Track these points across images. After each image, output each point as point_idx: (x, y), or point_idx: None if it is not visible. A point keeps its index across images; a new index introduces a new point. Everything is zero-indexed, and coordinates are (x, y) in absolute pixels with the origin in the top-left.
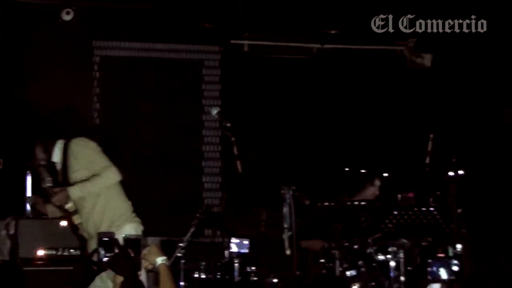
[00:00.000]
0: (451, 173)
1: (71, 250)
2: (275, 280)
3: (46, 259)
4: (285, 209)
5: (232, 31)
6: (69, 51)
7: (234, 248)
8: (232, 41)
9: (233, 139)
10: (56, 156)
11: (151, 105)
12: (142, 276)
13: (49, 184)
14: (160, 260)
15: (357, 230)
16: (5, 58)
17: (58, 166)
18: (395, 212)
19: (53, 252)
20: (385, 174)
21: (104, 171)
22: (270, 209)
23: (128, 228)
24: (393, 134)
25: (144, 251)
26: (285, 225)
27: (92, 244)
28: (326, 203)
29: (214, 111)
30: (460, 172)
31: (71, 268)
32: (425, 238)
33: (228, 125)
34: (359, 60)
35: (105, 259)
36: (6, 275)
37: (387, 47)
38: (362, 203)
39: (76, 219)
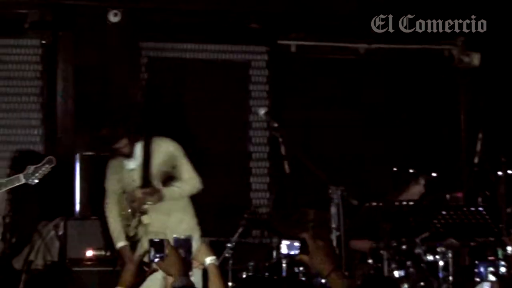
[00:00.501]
0: (500, 173)
1: None
2: (323, 281)
3: (95, 259)
4: (333, 209)
5: (279, 31)
6: (117, 52)
7: (284, 250)
8: (279, 42)
9: (280, 139)
10: (137, 154)
11: (198, 106)
12: (194, 276)
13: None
14: (209, 260)
15: (406, 230)
16: (54, 60)
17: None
18: (444, 212)
19: (102, 252)
20: (434, 174)
21: (191, 180)
22: (318, 209)
23: (197, 237)
24: (441, 134)
25: (194, 251)
26: (333, 225)
27: None
28: (374, 203)
29: (262, 112)
30: (510, 171)
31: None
32: (474, 238)
33: (276, 125)
34: (406, 60)
35: (156, 260)
36: (55, 276)
37: (435, 47)
38: (410, 203)
39: (146, 219)
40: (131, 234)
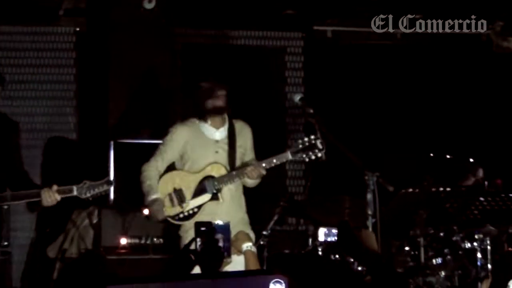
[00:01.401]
0: None
1: (154, 239)
2: (360, 268)
3: (129, 247)
4: (369, 196)
5: (314, 17)
6: (151, 39)
7: (321, 237)
8: (315, 28)
9: (316, 125)
10: (222, 134)
11: (233, 93)
12: (236, 263)
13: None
14: (245, 246)
15: (443, 217)
16: (90, 48)
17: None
18: (482, 199)
19: (136, 240)
20: (471, 160)
21: None
22: (354, 196)
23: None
24: (479, 120)
25: (232, 238)
26: (369, 212)
27: None
28: (411, 190)
29: (297, 98)
30: None
31: (155, 256)
32: None
33: (311, 111)
34: (443, 45)
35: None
36: (89, 264)
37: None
38: (448, 189)
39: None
40: (172, 213)
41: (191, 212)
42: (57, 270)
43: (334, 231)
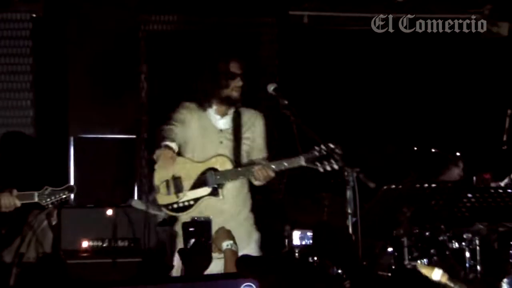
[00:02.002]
0: None
1: (119, 241)
2: (339, 271)
3: (91, 251)
4: (349, 193)
5: (290, 1)
6: (113, 26)
7: (296, 241)
8: (291, 12)
9: (291, 118)
10: (227, 123)
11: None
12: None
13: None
14: (225, 244)
15: (428, 215)
16: (47, 35)
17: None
18: (470, 195)
19: (99, 243)
20: (458, 153)
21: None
22: (334, 193)
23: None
24: (467, 110)
25: (213, 235)
26: (349, 211)
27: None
28: (393, 186)
29: (271, 88)
30: None
31: (120, 260)
32: (503, 223)
33: (286, 103)
34: (427, 32)
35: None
36: (48, 268)
37: (459, 15)
38: (433, 185)
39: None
40: (166, 202)
41: (186, 204)
42: (14, 276)
43: (309, 233)
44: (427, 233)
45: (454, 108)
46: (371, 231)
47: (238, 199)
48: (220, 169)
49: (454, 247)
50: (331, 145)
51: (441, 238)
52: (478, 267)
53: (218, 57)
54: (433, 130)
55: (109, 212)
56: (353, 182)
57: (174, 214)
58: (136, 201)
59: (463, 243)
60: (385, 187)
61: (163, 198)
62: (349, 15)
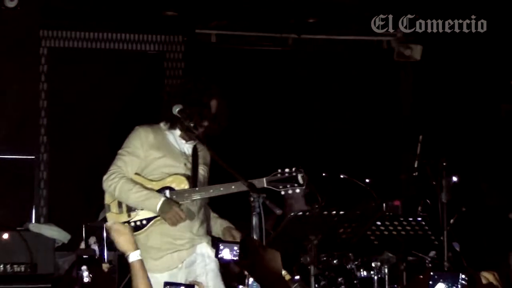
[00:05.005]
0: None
1: (15, 266)
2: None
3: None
4: (254, 220)
5: (197, 19)
6: (13, 41)
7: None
8: (198, 31)
9: (197, 140)
10: (189, 148)
11: (107, 102)
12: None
13: None
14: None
15: (336, 243)
16: None
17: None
18: (379, 223)
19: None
20: (367, 180)
21: None
22: (238, 219)
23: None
24: (377, 135)
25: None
26: (255, 237)
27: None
28: (300, 213)
29: (176, 110)
30: (453, 178)
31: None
32: (412, 252)
33: (192, 125)
34: (340, 52)
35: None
36: None
37: (373, 38)
38: (341, 212)
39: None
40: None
41: (138, 223)
42: None
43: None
44: (335, 261)
45: (363, 134)
46: None
47: (198, 217)
48: (176, 188)
49: (362, 275)
50: (294, 169)
51: (349, 266)
52: None
53: (205, 90)
54: (343, 156)
55: (5, 236)
56: (259, 208)
57: None
58: (34, 224)
59: (372, 272)
60: (292, 214)
61: (113, 216)
62: (259, 35)
